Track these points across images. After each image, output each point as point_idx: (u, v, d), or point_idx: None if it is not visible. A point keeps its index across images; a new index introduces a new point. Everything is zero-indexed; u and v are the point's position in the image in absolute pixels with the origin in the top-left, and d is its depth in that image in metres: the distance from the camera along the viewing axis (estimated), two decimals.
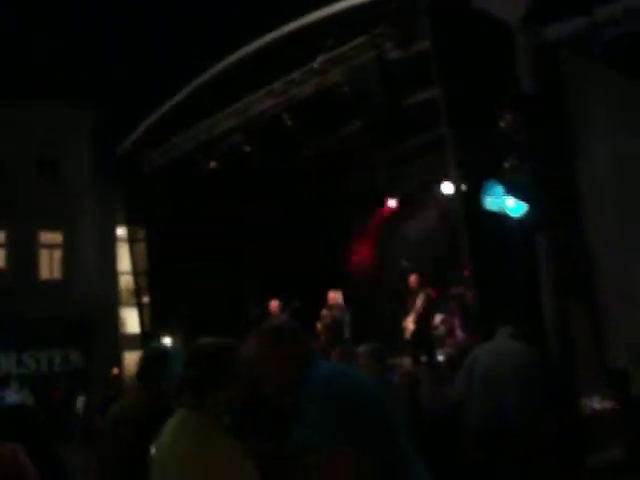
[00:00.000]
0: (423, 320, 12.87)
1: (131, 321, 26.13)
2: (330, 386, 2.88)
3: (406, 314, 13.12)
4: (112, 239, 28.38)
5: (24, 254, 26.61)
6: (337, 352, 9.97)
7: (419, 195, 16.01)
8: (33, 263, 27.14)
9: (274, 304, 13.78)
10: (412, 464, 2.93)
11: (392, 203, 16.58)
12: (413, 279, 13.31)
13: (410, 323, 12.90)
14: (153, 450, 2.89)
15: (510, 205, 7.86)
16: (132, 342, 24.89)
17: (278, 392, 2.97)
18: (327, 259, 15.58)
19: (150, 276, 16.92)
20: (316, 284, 13.65)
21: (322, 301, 13.44)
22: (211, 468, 2.62)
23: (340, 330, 12.90)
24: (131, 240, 17.47)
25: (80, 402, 16.91)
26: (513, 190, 7.84)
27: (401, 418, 3.14)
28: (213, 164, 14.57)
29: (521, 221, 7.98)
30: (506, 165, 8.11)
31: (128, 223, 17.83)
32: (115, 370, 24.75)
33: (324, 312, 13.40)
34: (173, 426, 2.82)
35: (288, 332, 3.12)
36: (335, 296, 13.36)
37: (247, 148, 13.94)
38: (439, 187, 14.90)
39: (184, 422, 2.79)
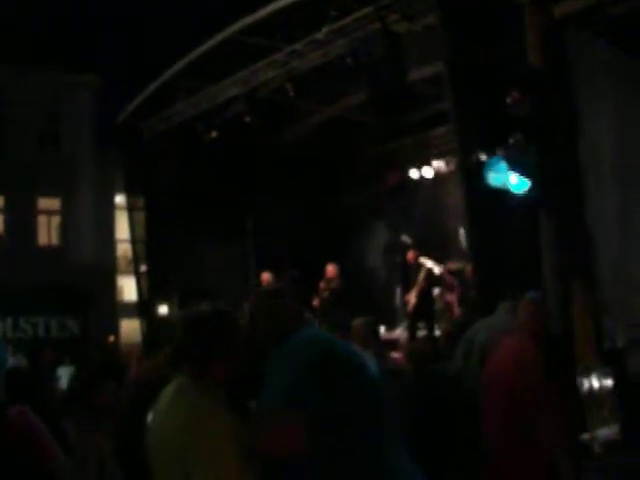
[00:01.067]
0: (425, 294, 12.89)
1: (128, 289, 26.15)
2: (307, 352, 2.87)
3: (408, 289, 13.15)
4: (111, 207, 28.32)
5: (22, 220, 26.55)
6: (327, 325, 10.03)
7: (421, 169, 15.95)
8: (31, 229, 27.10)
9: (265, 276, 13.74)
10: (388, 450, 2.83)
11: (394, 177, 16.53)
12: (411, 255, 13.31)
13: (412, 297, 12.92)
14: (150, 417, 2.88)
15: (513, 181, 7.83)
16: (129, 310, 24.94)
17: (263, 350, 3.04)
18: (326, 232, 15.55)
19: (148, 245, 16.91)
20: (314, 256, 13.65)
21: (320, 274, 13.43)
22: (206, 438, 2.59)
23: (337, 303, 12.89)
24: (130, 208, 17.43)
25: (63, 372, 16.66)
26: (517, 166, 7.79)
27: (387, 396, 3.12)
28: (214, 133, 14.49)
29: (524, 198, 7.95)
30: (510, 141, 8.05)
31: (127, 191, 17.78)
32: (111, 337, 24.83)
33: (322, 285, 13.40)
34: (170, 394, 2.81)
35: (277, 294, 3.20)
36: (333, 269, 13.34)
37: (248, 119, 13.85)
38: (442, 162, 14.87)
39: (180, 390, 2.78)
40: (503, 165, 7.89)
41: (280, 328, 3.05)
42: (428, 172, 15.61)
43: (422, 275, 12.95)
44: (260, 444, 2.65)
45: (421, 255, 13.18)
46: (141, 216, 17.02)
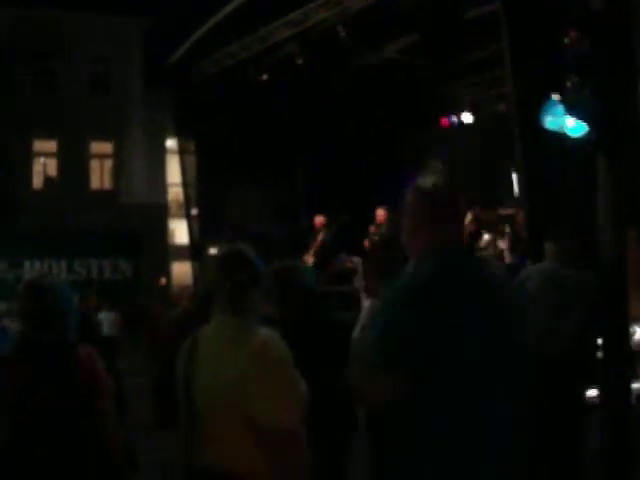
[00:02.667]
0: (470, 241, 12.74)
1: (180, 232, 26.47)
2: (430, 290, 2.34)
3: None
4: (162, 150, 28.54)
5: (75, 164, 26.91)
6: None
7: (475, 112, 15.70)
8: (84, 173, 27.45)
9: (319, 219, 13.79)
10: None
11: (447, 120, 16.32)
12: None
13: None
14: (188, 356, 2.84)
15: (570, 125, 7.61)
16: (180, 253, 25.28)
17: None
18: (377, 176, 15.44)
19: (199, 188, 17.01)
20: (365, 201, 13.59)
21: (371, 218, 13.38)
22: (284, 370, 2.65)
23: (386, 248, 12.84)
24: (181, 152, 17.50)
25: (103, 317, 16.91)
26: (574, 109, 7.57)
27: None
28: (265, 76, 14.42)
29: (581, 142, 7.74)
30: (568, 83, 7.82)
31: (178, 135, 17.84)
32: (163, 280, 25.22)
33: (372, 229, 13.35)
34: (223, 332, 2.79)
35: (436, 197, 2.54)
36: (383, 213, 13.28)
37: (300, 60, 13.71)
38: (496, 104, 14.60)
39: (230, 326, 2.78)
40: (560, 108, 7.68)
41: (410, 238, 2.55)
42: (482, 114, 15.37)
43: (467, 219, 12.82)
44: (357, 393, 2.51)
45: (468, 200, 13.01)
46: (192, 159, 17.10)
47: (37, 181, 27.20)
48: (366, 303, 5.10)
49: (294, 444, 2.61)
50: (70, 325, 3.33)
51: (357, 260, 13.14)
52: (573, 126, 7.59)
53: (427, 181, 2.59)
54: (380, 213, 13.23)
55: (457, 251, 2.50)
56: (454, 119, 16.14)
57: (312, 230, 13.77)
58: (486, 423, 2.32)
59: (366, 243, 13.27)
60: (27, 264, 22.70)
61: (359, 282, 12.68)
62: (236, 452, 2.63)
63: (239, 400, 2.61)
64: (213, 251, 16.39)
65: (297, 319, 3.88)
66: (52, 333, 3.23)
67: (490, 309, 2.41)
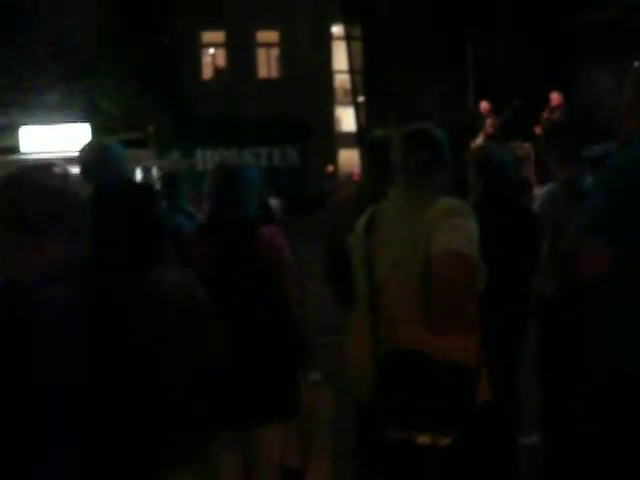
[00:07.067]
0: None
1: (346, 119, 26.50)
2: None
3: None
4: (328, 37, 28.29)
5: (242, 53, 27.23)
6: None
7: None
8: (251, 62, 27.78)
9: (484, 105, 13.55)
10: None
11: None
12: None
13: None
14: (376, 235, 2.85)
15: None
16: (347, 140, 25.39)
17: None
18: (550, 60, 14.77)
19: (366, 74, 16.89)
20: (539, 84, 13.10)
21: (545, 102, 12.91)
22: (464, 219, 2.64)
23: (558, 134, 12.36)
24: (348, 38, 17.35)
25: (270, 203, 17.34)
26: None
27: None
28: None
29: None
30: None
31: (345, 21, 17.66)
32: (330, 167, 25.49)
33: (545, 114, 12.88)
34: (407, 206, 2.80)
35: None
36: (558, 98, 12.79)
37: None
38: None
39: (418, 201, 2.76)
40: None
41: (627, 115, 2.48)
42: None
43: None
44: (564, 262, 2.50)
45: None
46: (358, 46, 16.94)
47: (206, 72, 27.82)
48: (539, 190, 4.97)
49: (465, 266, 2.56)
50: (254, 205, 3.49)
51: (528, 146, 12.79)
52: None
53: None
54: (555, 97, 12.73)
55: None
56: None
57: (481, 116, 13.51)
58: None
59: (537, 130, 12.85)
60: (199, 153, 23.47)
61: (529, 170, 12.36)
62: (427, 332, 2.60)
63: (419, 258, 2.62)
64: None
65: (495, 199, 3.90)
66: (237, 210, 3.40)
67: None
